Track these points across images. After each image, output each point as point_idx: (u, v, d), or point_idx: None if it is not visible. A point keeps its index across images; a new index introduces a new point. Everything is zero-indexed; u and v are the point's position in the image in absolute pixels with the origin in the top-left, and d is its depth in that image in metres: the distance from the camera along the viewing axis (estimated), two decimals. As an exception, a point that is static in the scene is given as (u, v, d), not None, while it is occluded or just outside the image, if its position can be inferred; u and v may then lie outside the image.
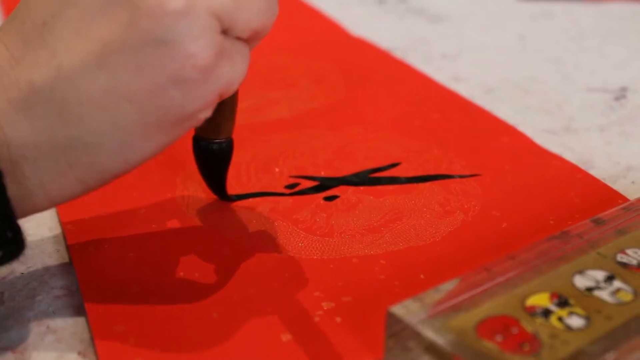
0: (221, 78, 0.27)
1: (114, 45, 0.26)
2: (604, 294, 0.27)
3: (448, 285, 0.27)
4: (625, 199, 0.37)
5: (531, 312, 0.26)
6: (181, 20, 0.25)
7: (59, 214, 0.36)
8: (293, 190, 0.39)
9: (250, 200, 0.38)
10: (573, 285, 0.27)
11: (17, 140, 0.26)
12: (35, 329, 0.30)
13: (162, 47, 0.26)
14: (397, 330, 0.26)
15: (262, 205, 0.37)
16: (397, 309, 0.26)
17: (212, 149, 0.34)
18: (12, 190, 0.26)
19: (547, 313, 0.26)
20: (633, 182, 0.40)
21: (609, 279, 0.28)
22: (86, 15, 0.26)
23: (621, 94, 0.51)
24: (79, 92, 0.26)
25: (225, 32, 0.27)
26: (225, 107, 0.33)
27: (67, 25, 0.26)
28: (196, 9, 0.26)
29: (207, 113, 0.28)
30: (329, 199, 0.38)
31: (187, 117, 0.27)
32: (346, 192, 0.38)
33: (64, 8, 0.27)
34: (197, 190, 0.38)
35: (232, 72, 0.28)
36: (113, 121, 0.26)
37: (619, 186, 0.39)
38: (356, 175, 0.40)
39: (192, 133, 0.35)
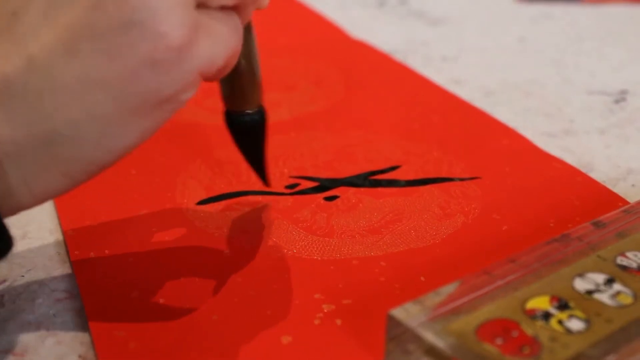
0: (199, 56, 0.26)
1: (82, 31, 0.25)
2: (604, 297, 0.27)
3: (448, 288, 0.27)
4: (625, 202, 0.38)
5: (531, 315, 0.26)
6: None
7: (59, 219, 0.36)
8: (293, 190, 0.39)
9: (250, 198, 0.38)
10: (573, 288, 0.27)
11: None
12: (36, 331, 0.30)
13: (130, 29, 0.24)
14: (398, 333, 0.26)
15: (262, 204, 0.37)
16: (398, 312, 0.26)
17: (243, 121, 0.33)
18: None
19: (547, 316, 0.26)
20: (633, 185, 0.40)
21: (609, 281, 0.28)
22: (54, 2, 0.25)
23: (621, 97, 0.51)
24: (51, 82, 0.25)
25: (202, 5, 0.26)
26: (243, 77, 0.31)
27: (35, 14, 0.25)
28: None
29: (190, 94, 0.27)
30: (329, 199, 0.38)
31: (167, 99, 0.26)
32: (346, 193, 0.38)
33: None
34: (197, 191, 0.38)
35: (212, 48, 0.26)
36: (89, 110, 0.25)
37: (619, 189, 0.39)
38: (356, 177, 0.40)
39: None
